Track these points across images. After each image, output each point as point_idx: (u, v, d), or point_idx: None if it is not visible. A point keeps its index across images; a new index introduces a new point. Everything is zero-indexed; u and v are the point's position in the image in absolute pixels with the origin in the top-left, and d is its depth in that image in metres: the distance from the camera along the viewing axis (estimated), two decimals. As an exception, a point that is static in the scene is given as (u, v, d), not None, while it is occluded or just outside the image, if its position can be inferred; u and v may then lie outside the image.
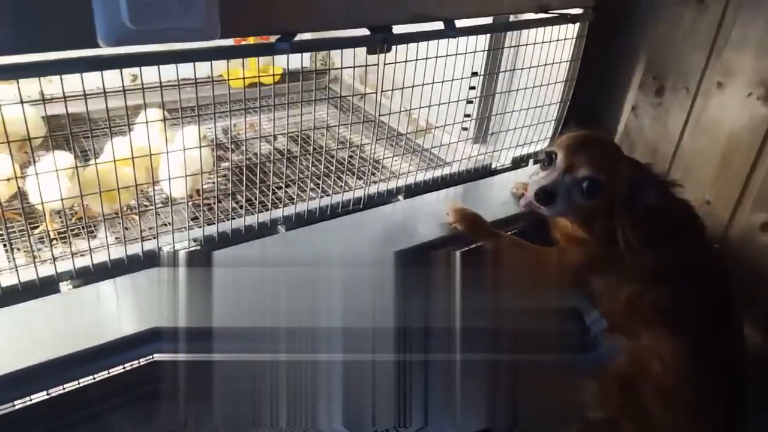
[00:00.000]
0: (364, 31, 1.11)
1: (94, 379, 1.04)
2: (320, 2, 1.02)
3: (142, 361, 1.03)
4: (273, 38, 1.02)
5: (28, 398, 1.00)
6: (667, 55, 1.48)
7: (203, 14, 0.84)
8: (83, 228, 1.28)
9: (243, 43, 1.45)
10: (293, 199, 1.56)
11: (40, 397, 1.01)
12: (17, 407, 1.01)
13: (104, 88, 0.87)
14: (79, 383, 1.03)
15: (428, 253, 1.23)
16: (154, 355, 1.02)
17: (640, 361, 1.17)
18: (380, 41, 1.10)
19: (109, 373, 1.05)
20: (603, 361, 1.36)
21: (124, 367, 1.05)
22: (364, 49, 1.12)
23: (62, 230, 1.36)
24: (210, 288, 0.95)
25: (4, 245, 1.26)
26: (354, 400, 1.08)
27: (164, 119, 1.05)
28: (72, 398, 1.04)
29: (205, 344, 0.98)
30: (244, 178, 1.20)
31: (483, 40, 1.36)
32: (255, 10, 0.96)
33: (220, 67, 1.94)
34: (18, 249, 1.31)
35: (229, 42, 1.04)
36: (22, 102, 0.84)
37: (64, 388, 1.02)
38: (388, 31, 1.11)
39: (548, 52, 1.40)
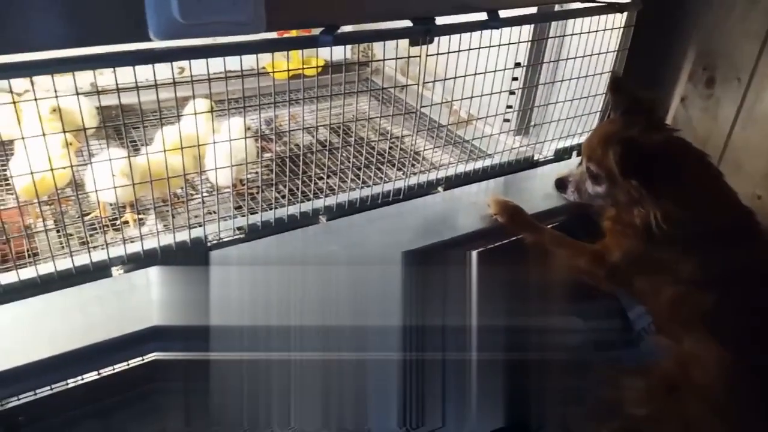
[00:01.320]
0: (407, 23, 1.11)
1: (142, 360, 1.08)
2: (363, -6, 1.03)
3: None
4: (315, 31, 1.03)
5: (79, 378, 1.05)
6: (718, 45, 1.43)
7: (250, 8, 0.85)
8: (136, 212, 1.33)
9: (285, 35, 1.47)
10: (334, 189, 1.58)
11: (90, 377, 1.06)
12: (70, 386, 1.06)
13: (155, 80, 0.90)
14: (128, 364, 1.07)
15: (452, 252, 1.23)
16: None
17: (683, 365, 1.14)
18: (423, 33, 1.10)
19: (156, 356, 1.08)
20: (647, 357, 1.34)
21: (154, 355, 1.08)
22: (407, 40, 1.12)
23: (114, 218, 1.40)
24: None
25: (58, 231, 1.32)
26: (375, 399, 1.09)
27: (212, 110, 1.07)
28: (121, 379, 1.09)
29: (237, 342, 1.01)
30: (287, 169, 1.22)
31: (527, 30, 1.34)
32: (299, 3, 0.97)
33: (264, 59, 1.97)
34: (71, 235, 1.36)
35: (272, 34, 1.06)
36: (77, 93, 0.88)
37: (113, 369, 1.07)
38: (431, 22, 1.11)
39: (594, 41, 1.37)
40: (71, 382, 1.05)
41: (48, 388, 1.02)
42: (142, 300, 1.05)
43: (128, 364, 1.07)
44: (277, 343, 1.02)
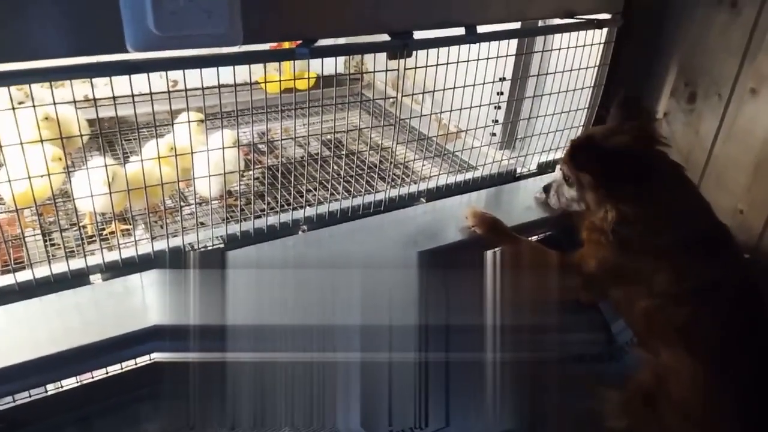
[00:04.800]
0: (386, 37, 1.13)
1: (121, 368, 1.09)
2: (341, 9, 1.05)
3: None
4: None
5: (59, 384, 1.06)
6: (699, 61, 1.45)
7: (226, 21, 0.87)
8: (115, 222, 1.34)
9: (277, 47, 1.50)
10: (316, 199, 1.59)
11: (70, 384, 1.07)
12: (50, 393, 1.07)
13: (132, 92, 0.92)
14: (107, 372, 1.08)
15: (452, 255, 1.24)
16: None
17: (660, 378, 1.14)
18: (400, 47, 1.12)
19: (135, 363, 1.10)
20: (628, 371, 1.34)
21: (150, 358, 1.09)
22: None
23: (100, 228, 1.42)
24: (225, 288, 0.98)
25: (44, 240, 1.34)
26: (373, 401, 1.09)
27: (189, 122, 1.09)
28: (100, 387, 1.09)
29: (224, 343, 1.01)
30: (266, 181, 1.24)
31: (511, 45, 1.36)
32: (277, 16, 0.99)
33: (257, 72, 1.99)
34: (57, 245, 1.37)
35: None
36: (54, 104, 0.90)
37: (93, 377, 1.08)
38: (409, 36, 1.13)
39: (574, 57, 1.39)
40: (51, 389, 1.06)
41: (26, 394, 1.03)
42: (122, 306, 1.06)
43: (107, 372, 1.08)
44: (262, 345, 1.03)
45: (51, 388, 1.06)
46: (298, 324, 1.01)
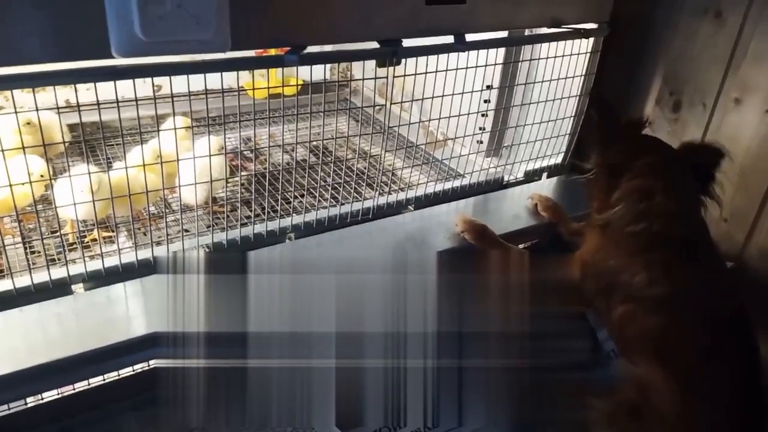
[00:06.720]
0: (375, 44, 1.13)
1: (104, 380, 1.06)
2: (330, 16, 1.04)
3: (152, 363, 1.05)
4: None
5: (39, 396, 1.03)
6: (684, 70, 1.47)
7: (214, 27, 0.86)
8: (97, 229, 1.32)
9: (264, 54, 1.49)
10: (304, 207, 1.57)
11: (51, 396, 1.04)
12: (30, 405, 1.04)
13: (117, 97, 0.90)
14: (89, 383, 1.06)
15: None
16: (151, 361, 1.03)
17: (641, 390, 1.13)
18: (390, 54, 1.12)
19: (119, 374, 1.07)
20: (613, 379, 1.34)
21: (133, 369, 1.07)
22: (379, 61, 1.13)
23: (82, 235, 1.39)
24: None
25: (25, 247, 1.31)
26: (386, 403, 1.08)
27: (175, 128, 1.08)
28: (82, 398, 1.07)
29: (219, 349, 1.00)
30: (253, 188, 1.23)
31: (498, 54, 1.37)
32: (265, 23, 0.98)
33: (244, 77, 1.98)
34: (38, 253, 1.34)
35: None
36: (37, 109, 0.88)
37: (74, 388, 1.05)
38: (398, 44, 1.12)
39: (561, 66, 1.40)
40: (30, 401, 1.04)
41: (6, 407, 1.00)
42: (105, 317, 1.04)
43: (88, 384, 1.06)
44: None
45: (31, 401, 1.04)
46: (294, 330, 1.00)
